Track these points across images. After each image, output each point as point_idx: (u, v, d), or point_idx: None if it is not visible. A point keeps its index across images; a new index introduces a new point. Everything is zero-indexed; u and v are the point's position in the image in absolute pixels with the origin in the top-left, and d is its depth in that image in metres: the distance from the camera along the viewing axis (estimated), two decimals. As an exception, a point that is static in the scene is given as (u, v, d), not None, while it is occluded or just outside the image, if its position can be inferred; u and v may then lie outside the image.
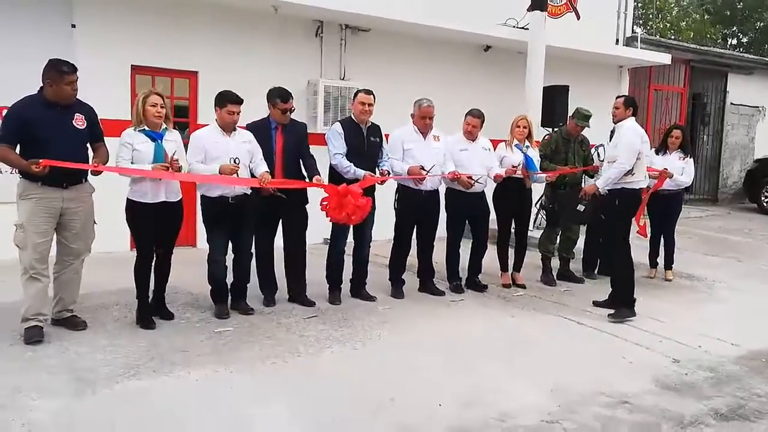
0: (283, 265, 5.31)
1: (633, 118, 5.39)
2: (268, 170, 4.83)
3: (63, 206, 4.23)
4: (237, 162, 4.67)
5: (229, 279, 4.99)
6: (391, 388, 3.69)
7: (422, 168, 5.42)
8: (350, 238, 5.48)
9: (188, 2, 7.10)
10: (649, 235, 6.83)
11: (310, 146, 5.31)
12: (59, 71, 4.12)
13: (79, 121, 4.27)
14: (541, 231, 6.79)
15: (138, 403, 3.39)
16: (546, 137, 6.92)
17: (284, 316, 4.95)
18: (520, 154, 5.99)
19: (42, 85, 4.17)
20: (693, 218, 11.26)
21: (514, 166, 5.90)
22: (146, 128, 4.43)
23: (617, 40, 11.14)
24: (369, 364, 4.11)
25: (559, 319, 5.25)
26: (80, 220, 4.35)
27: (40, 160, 3.95)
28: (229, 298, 5.00)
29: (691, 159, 6.70)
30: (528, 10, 8.41)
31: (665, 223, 6.78)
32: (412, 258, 5.85)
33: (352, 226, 5.30)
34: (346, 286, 5.56)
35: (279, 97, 5.02)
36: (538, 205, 6.97)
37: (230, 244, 4.95)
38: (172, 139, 4.54)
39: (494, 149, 6.04)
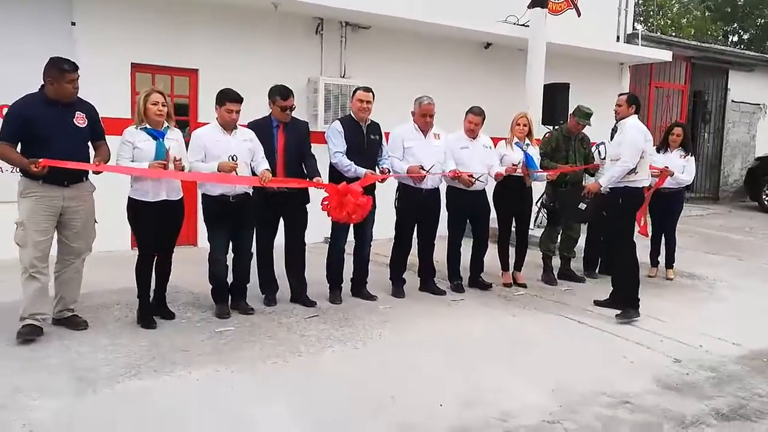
0: (283, 265, 5.30)
1: (636, 115, 5.37)
2: (269, 168, 4.82)
3: (64, 205, 4.23)
4: (235, 159, 4.66)
5: (230, 278, 4.99)
6: (392, 387, 3.69)
7: (421, 167, 5.41)
8: (351, 237, 5.47)
9: (188, 0, 7.08)
10: (650, 234, 6.82)
11: (311, 144, 5.30)
12: (60, 69, 4.11)
13: (80, 120, 4.27)
14: (542, 230, 6.79)
15: (139, 403, 3.39)
16: (546, 135, 6.90)
17: (285, 316, 4.95)
18: (520, 153, 5.98)
19: (43, 83, 4.16)
20: (694, 217, 11.25)
21: (514, 165, 5.89)
22: (148, 126, 4.42)
23: (618, 37, 11.13)
24: (370, 364, 4.11)
25: (560, 318, 5.25)
26: (81, 218, 4.34)
27: (40, 160, 3.95)
28: (230, 297, 4.99)
29: (692, 157, 6.68)
30: (528, 7, 8.41)
31: (666, 221, 6.77)
32: (413, 257, 5.85)
33: (352, 225, 5.29)
34: (346, 285, 5.55)
35: (279, 94, 5.01)
36: (539, 204, 6.95)
37: (231, 244, 4.94)
38: (173, 138, 4.53)
39: (495, 147, 6.03)
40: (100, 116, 4.49)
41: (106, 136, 4.53)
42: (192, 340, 4.33)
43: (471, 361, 4.19)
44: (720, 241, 9.31)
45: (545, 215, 6.91)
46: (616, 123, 5.62)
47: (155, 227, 4.52)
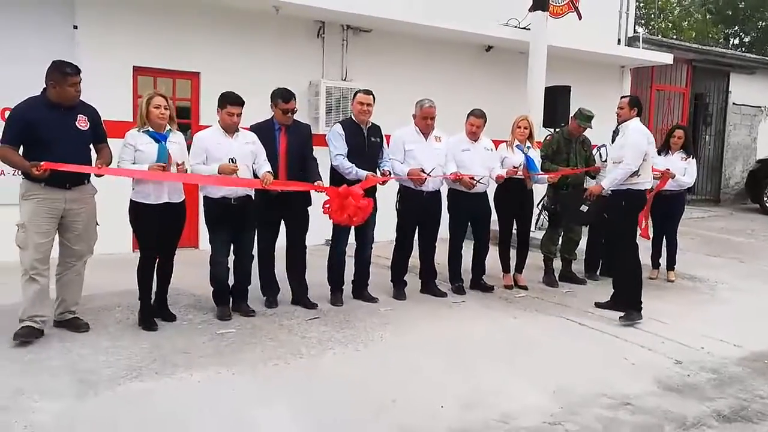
0: (284, 267, 5.31)
1: (638, 118, 5.37)
2: (270, 171, 4.82)
3: (65, 207, 4.24)
4: (234, 162, 4.67)
5: (231, 281, 4.99)
6: (393, 389, 3.69)
7: (422, 170, 5.42)
8: (352, 240, 5.48)
9: (190, 3, 7.11)
10: (651, 236, 6.82)
11: (313, 147, 5.31)
12: (63, 73, 4.13)
13: (82, 122, 4.28)
14: (543, 232, 6.79)
15: (140, 405, 3.40)
16: (547, 138, 6.91)
17: (286, 318, 4.95)
18: (521, 155, 5.98)
19: (45, 86, 4.17)
20: (695, 219, 11.24)
21: (515, 167, 5.90)
22: (150, 129, 4.44)
23: (619, 40, 11.14)
24: (371, 366, 4.11)
25: (561, 320, 5.25)
26: (82, 221, 4.35)
27: (42, 163, 3.96)
28: (231, 299, 5.00)
29: (694, 159, 6.68)
30: (530, 10, 8.42)
31: (667, 223, 6.77)
32: (414, 259, 5.85)
33: (353, 228, 5.30)
34: (348, 287, 5.55)
35: (281, 97, 5.02)
36: (540, 206, 6.96)
37: (232, 246, 4.95)
38: (175, 141, 4.54)
39: (496, 149, 6.03)
40: (102, 119, 4.50)
41: (108, 139, 4.55)
42: (193, 342, 4.33)
43: (472, 363, 4.19)
44: (721, 243, 9.30)
45: (546, 217, 6.91)
46: (618, 125, 5.62)
47: (157, 229, 4.53)
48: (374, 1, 7.69)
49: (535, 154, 6.11)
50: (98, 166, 4.32)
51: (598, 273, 6.75)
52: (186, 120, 7.19)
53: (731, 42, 25.52)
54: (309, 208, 5.25)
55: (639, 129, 5.28)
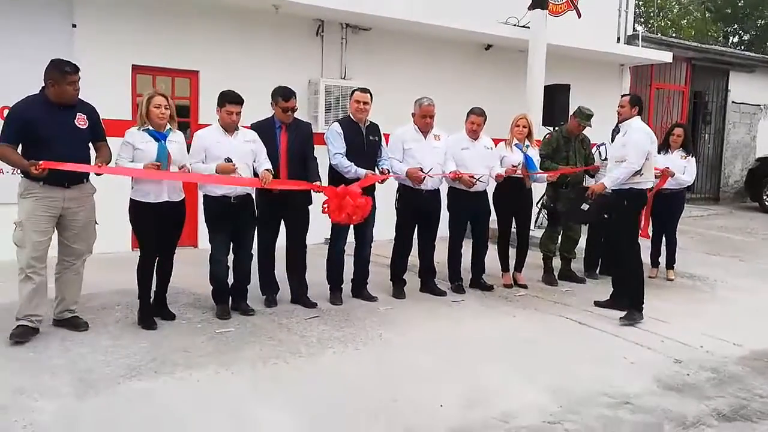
0: (283, 266, 5.30)
1: (639, 117, 5.35)
2: (269, 169, 4.81)
3: (64, 206, 4.23)
4: (230, 161, 4.66)
5: (230, 280, 4.99)
6: (393, 388, 3.69)
7: (421, 169, 5.41)
8: (351, 239, 5.47)
9: (189, 2, 7.09)
10: (650, 235, 6.82)
11: (314, 146, 5.30)
12: (61, 71, 4.12)
13: (81, 121, 4.27)
14: (543, 231, 6.78)
15: (140, 404, 3.39)
16: (547, 136, 6.90)
17: (285, 317, 4.95)
18: (519, 154, 5.98)
19: (44, 85, 4.17)
20: (695, 217, 11.25)
21: (513, 166, 5.89)
22: (150, 128, 4.43)
23: (618, 39, 11.14)
24: (370, 365, 4.11)
25: (560, 319, 5.25)
26: (81, 220, 4.35)
27: (40, 162, 3.95)
28: (230, 298, 5.00)
29: (693, 158, 6.68)
30: (529, 8, 8.41)
31: (667, 222, 6.77)
32: (414, 258, 5.85)
33: (352, 226, 5.30)
34: (347, 286, 5.55)
35: (281, 95, 5.01)
36: (539, 205, 6.95)
37: (232, 244, 4.95)
38: (175, 140, 4.54)
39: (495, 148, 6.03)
40: (100, 118, 4.49)
41: (108, 138, 4.53)
42: (192, 341, 4.33)
43: (472, 362, 4.19)
44: (721, 241, 9.31)
45: (546, 216, 6.91)
46: (618, 124, 5.61)
47: (157, 228, 4.52)
48: (374, -1, 7.69)
49: (534, 153, 6.10)
50: (98, 164, 4.31)
51: (597, 272, 6.75)
52: (185, 118, 7.18)
53: (730, 40, 25.54)
54: (309, 207, 5.25)
55: (642, 128, 5.26)
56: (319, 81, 7.84)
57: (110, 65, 6.67)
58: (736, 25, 25.97)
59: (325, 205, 4.94)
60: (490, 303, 5.66)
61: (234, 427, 3.22)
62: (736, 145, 14.24)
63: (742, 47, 23.32)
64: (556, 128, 7.51)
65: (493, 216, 6.11)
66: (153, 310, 4.68)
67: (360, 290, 5.56)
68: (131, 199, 4.50)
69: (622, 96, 5.57)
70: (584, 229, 6.66)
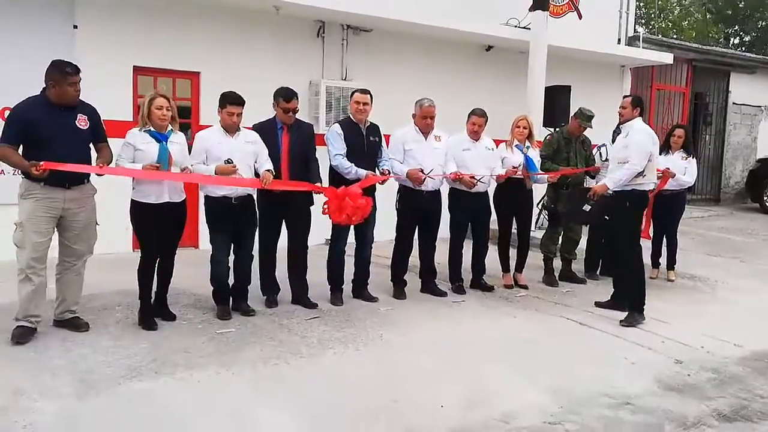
0: (284, 266, 5.30)
1: (640, 118, 5.34)
2: (270, 169, 4.81)
3: (64, 207, 4.23)
4: (231, 162, 4.66)
5: (231, 280, 4.99)
6: (394, 389, 3.69)
7: (421, 170, 5.41)
8: (352, 239, 5.47)
9: (190, 3, 7.10)
10: (651, 236, 6.81)
11: (316, 147, 5.30)
12: (62, 72, 4.12)
13: (82, 122, 4.28)
14: (543, 231, 6.78)
15: (140, 405, 3.40)
16: (548, 137, 6.91)
17: (286, 318, 4.95)
18: (520, 155, 5.98)
19: (45, 86, 4.17)
20: (695, 218, 11.24)
21: (514, 167, 5.90)
22: (151, 129, 4.44)
23: (619, 40, 11.14)
24: (371, 365, 4.11)
25: (561, 319, 5.25)
26: (82, 221, 4.35)
27: (41, 163, 3.96)
28: (231, 299, 5.00)
29: (694, 159, 6.67)
30: (530, 9, 8.42)
31: (668, 223, 6.76)
32: (414, 259, 5.85)
33: (353, 227, 5.30)
34: (347, 287, 5.55)
35: (282, 96, 5.02)
36: (540, 206, 6.95)
37: (232, 245, 4.95)
38: (176, 141, 4.54)
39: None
40: (101, 118, 4.49)
41: (108, 139, 4.54)
42: (193, 342, 4.33)
43: (472, 363, 4.18)
44: (721, 242, 9.30)
45: (546, 217, 6.91)
46: (619, 125, 5.60)
47: (158, 229, 4.53)
48: (374, 0, 7.69)
49: (535, 154, 6.10)
50: (99, 165, 4.31)
51: (598, 272, 6.75)
52: (186, 119, 7.18)
53: (731, 41, 25.52)
54: (310, 208, 5.25)
55: (644, 129, 5.25)
56: (320, 82, 7.85)
57: (111, 66, 6.68)
58: (736, 27, 25.96)
59: (325, 206, 4.94)
60: (491, 304, 5.66)
61: (235, 427, 3.22)
62: (736, 147, 14.23)
63: (743, 48, 23.32)
64: (557, 129, 7.52)
65: (494, 217, 6.11)
66: (154, 310, 4.68)
67: (360, 291, 5.57)
68: (132, 200, 4.50)
69: (624, 97, 5.57)
70: (585, 229, 6.66)
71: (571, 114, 6.75)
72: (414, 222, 5.69)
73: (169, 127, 4.52)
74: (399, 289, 5.72)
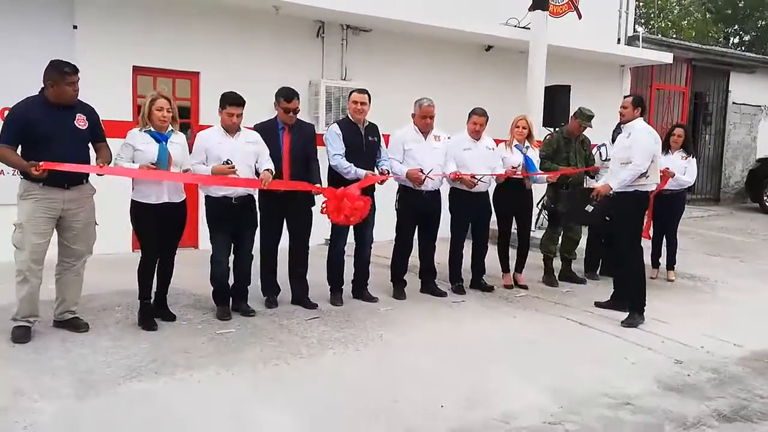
0: (283, 266, 5.30)
1: (641, 118, 5.33)
2: (269, 169, 4.80)
3: (64, 207, 4.23)
4: (230, 163, 4.66)
5: (231, 280, 4.99)
6: (394, 389, 3.69)
7: (421, 170, 5.41)
8: (352, 239, 5.47)
9: (190, 3, 7.10)
10: (651, 236, 6.81)
11: (317, 148, 5.30)
12: (61, 72, 4.12)
13: (81, 122, 4.27)
14: (543, 231, 6.78)
15: (140, 405, 3.39)
16: (547, 137, 6.91)
17: (286, 318, 4.95)
18: (519, 155, 5.98)
19: (43, 86, 4.17)
20: (695, 218, 11.24)
21: (513, 167, 5.89)
22: (152, 130, 4.44)
23: (619, 40, 11.14)
24: (371, 366, 4.11)
25: (561, 319, 5.25)
26: (81, 221, 4.35)
27: (41, 163, 3.95)
28: (231, 299, 5.00)
29: (694, 158, 6.66)
30: (529, 9, 8.41)
31: (668, 223, 6.76)
32: (414, 259, 5.85)
33: (352, 227, 5.30)
34: (347, 287, 5.55)
35: (283, 96, 5.02)
36: (540, 206, 6.95)
37: (233, 245, 4.95)
38: (177, 142, 4.54)
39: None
40: (100, 118, 4.49)
41: (108, 139, 4.54)
42: (193, 342, 4.33)
43: (472, 363, 4.18)
44: (721, 242, 9.30)
45: (546, 217, 6.91)
46: (619, 124, 5.60)
47: (157, 229, 4.52)
48: (374, 0, 7.68)
49: (534, 154, 6.10)
50: (99, 165, 4.31)
51: (597, 272, 6.75)
52: (186, 120, 7.18)
53: (731, 41, 25.53)
54: (312, 208, 5.24)
55: (646, 129, 5.23)
56: (320, 82, 7.84)
57: (111, 66, 6.68)
58: (736, 26, 25.96)
59: (324, 206, 4.94)
60: (491, 304, 5.66)
61: (235, 428, 3.22)
62: (736, 146, 14.23)
63: (743, 48, 23.33)
64: (557, 129, 7.51)
65: (493, 217, 6.11)
66: (153, 311, 4.68)
67: (360, 291, 5.57)
68: (132, 200, 4.50)
69: (625, 97, 5.54)
70: (584, 229, 6.66)
71: (571, 114, 6.75)
72: (414, 222, 5.68)
73: (170, 128, 4.52)
74: (399, 290, 5.72)
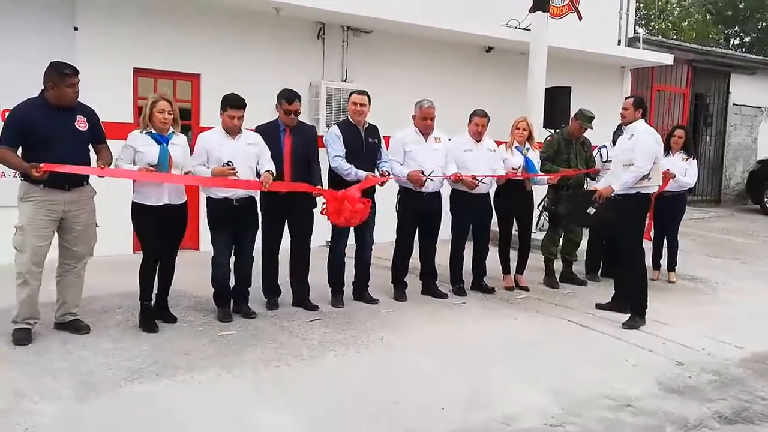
0: (284, 268, 5.30)
1: (643, 119, 5.32)
2: (270, 170, 4.80)
3: (64, 209, 4.22)
4: (230, 165, 4.66)
5: (232, 282, 4.99)
6: (394, 391, 3.69)
7: (422, 172, 5.41)
8: (353, 241, 5.47)
9: (191, 5, 7.10)
10: (652, 237, 6.80)
11: (319, 150, 5.30)
12: (61, 74, 4.12)
13: (81, 123, 4.27)
14: (544, 233, 6.78)
15: (141, 407, 3.39)
16: (548, 138, 6.91)
17: (287, 320, 4.95)
18: (520, 157, 5.98)
19: (44, 87, 4.17)
20: (696, 220, 11.23)
21: (514, 169, 5.89)
22: (153, 131, 4.44)
23: (619, 41, 11.14)
24: (372, 367, 4.11)
25: (562, 321, 5.24)
26: (82, 223, 4.34)
27: (41, 165, 3.95)
28: (232, 301, 5.00)
29: (694, 160, 6.65)
30: (530, 11, 8.42)
31: (668, 224, 6.75)
32: (415, 260, 5.85)
33: (353, 229, 5.30)
34: (348, 289, 5.55)
35: (285, 98, 5.02)
36: (540, 207, 6.95)
37: (233, 247, 4.94)
38: (178, 144, 4.55)
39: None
40: (100, 120, 4.49)
41: (109, 141, 4.53)
42: (194, 344, 4.33)
43: (473, 365, 4.18)
44: (722, 244, 9.30)
45: (547, 218, 6.91)
46: (620, 126, 5.59)
47: (158, 231, 4.52)
48: (374, 2, 7.69)
49: (534, 156, 6.10)
50: (100, 166, 4.31)
51: (599, 274, 6.74)
52: (186, 121, 7.18)
53: (731, 42, 25.53)
54: (313, 210, 5.24)
55: (648, 131, 5.21)
56: (320, 84, 7.85)
57: (112, 68, 6.69)
58: (737, 27, 25.95)
59: (324, 207, 4.94)
60: (492, 305, 5.65)
61: (236, 429, 3.22)
62: (737, 147, 14.22)
63: (743, 49, 23.33)
64: (557, 130, 7.51)
65: (494, 218, 6.10)
66: (154, 312, 4.68)
67: (361, 293, 5.56)
68: (133, 202, 4.51)
69: (626, 98, 5.53)
70: (585, 231, 6.66)
71: (572, 115, 6.74)
72: (414, 224, 5.68)
73: (171, 129, 4.52)
74: (400, 291, 5.71)
